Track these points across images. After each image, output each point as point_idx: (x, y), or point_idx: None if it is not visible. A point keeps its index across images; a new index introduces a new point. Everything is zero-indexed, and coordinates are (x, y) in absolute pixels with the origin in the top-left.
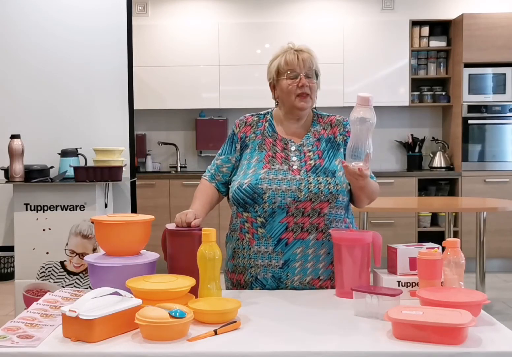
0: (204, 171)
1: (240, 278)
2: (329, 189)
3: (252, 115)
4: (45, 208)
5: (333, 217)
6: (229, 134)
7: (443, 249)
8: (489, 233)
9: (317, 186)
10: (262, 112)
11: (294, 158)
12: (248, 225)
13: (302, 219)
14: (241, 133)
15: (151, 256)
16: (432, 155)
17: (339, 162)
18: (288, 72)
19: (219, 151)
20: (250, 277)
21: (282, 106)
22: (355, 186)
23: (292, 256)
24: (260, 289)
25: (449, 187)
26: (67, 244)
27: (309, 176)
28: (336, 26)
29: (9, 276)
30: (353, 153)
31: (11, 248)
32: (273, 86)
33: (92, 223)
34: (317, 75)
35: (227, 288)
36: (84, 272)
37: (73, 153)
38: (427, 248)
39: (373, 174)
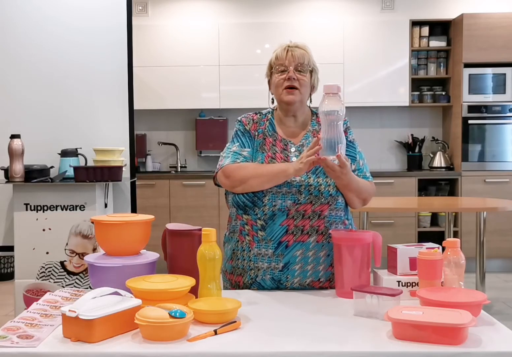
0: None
1: (239, 279)
2: (329, 191)
3: (256, 114)
4: (45, 208)
5: (333, 219)
6: (240, 129)
7: (443, 249)
8: (489, 233)
9: (317, 188)
10: (263, 111)
11: (293, 159)
12: (248, 228)
13: (302, 221)
14: (253, 131)
15: (151, 256)
16: (432, 155)
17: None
18: (278, 66)
19: (234, 147)
20: (249, 279)
21: (276, 102)
22: (339, 183)
23: (292, 258)
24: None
25: (449, 187)
26: (67, 244)
27: (309, 177)
28: (336, 26)
29: (9, 276)
30: (327, 146)
31: (11, 248)
32: (269, 83)
33: (92, 223)
34: (311, 72)
35: (226, 289)
36: (84, 272)
37: (73, 153)
38: (427, 248)
39: (367, 175)
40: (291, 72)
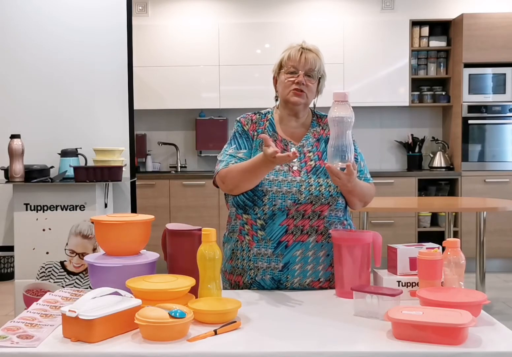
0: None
1: (238, 279)
2: (329, 191)
3: (255, 114)
4: (45, 208)
5: (333, 219)
6: (238, 131)
7: (443, 249)
8: (489, 233)
9: (318, 188)
10: (262, 111)
11: (294, 160)
12: (247, 227)
13: (302, 221)
14: (251, 131)
15: (151, 256)
16: (432, 155)
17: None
18: (288, 67)
19: (230, 150)
20: (249, 279)
21: (280, 100)
22: (344, 189)
23: (292, 258)
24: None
25: (449, 187)
26: (67, 244)
27: (310, 178)
28: (336, 26)
29: (9, 276)
30: (335, 153)
31: (11, 248)
32: (275, 80)
33: (92, 223)
34: (319, 78)
35: (225, 289)
36: (84, 272)
37: (73, 153)
38: (427, 248)
39: (368, 177)
40: (300, 77)
